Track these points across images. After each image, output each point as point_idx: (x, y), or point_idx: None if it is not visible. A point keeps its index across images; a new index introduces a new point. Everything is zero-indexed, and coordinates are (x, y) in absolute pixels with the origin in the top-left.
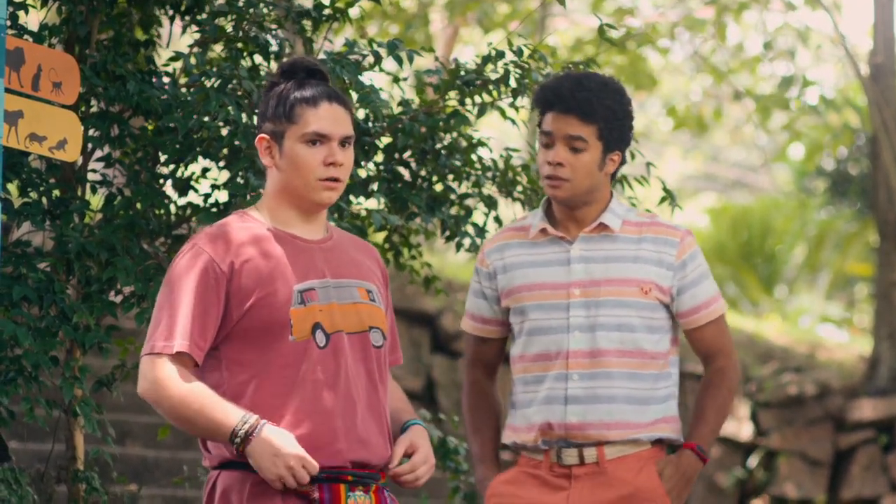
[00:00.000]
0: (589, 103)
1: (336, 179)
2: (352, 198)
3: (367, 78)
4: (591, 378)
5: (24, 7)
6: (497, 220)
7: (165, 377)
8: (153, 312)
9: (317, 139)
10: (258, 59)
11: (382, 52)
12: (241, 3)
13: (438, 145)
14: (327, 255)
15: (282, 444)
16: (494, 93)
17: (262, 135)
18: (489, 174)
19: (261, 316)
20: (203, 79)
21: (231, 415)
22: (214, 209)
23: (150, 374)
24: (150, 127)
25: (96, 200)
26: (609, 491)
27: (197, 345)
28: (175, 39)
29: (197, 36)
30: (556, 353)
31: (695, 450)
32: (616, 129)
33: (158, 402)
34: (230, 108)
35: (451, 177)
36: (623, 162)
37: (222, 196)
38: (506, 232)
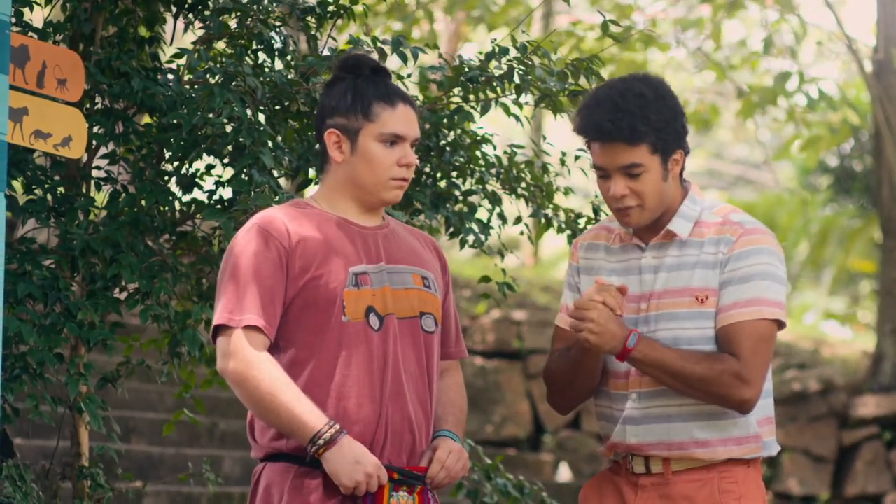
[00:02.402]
0: (633, 128)
1: (406, 179)
2: None
3: None
4: (649, 397)
5: (29, 4)
6: (501, 216)
7: (256, 357)
8: (218, 289)
9: (395, 140)
10: (262, 55)
11: (387, 49)
12: (245, 0)
13: (442, 142)
14: (383, 241)
15: (362, 452)
16: (498, 89)
17: (333, 129)
18: (493, 171)
19: (314, 295)
20: (207, 76)
21: (316, 417)
22: (219, 206)
23: (241, 352)
24: (154, 124)
25: (101, 197)
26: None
27: (269, 321)
28: (179, 36)
29: (201, 33)
30: (624, 371)
31: (634, 330)
32: (668, 135)
33: (244, 382)
34: (234, 104)
35: (455, 173)
36: (687, 152)
37: (227, 193)
38: (597, 229)
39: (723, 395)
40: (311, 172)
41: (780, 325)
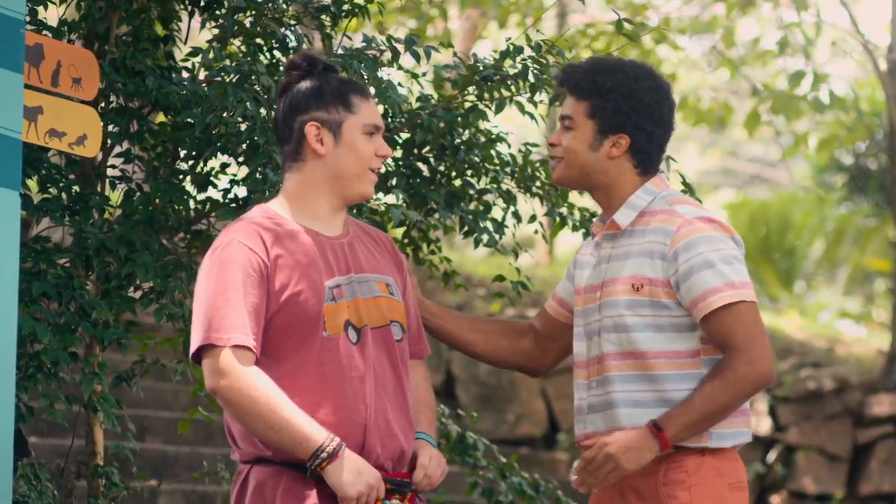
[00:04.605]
0: (577, 80)
1: (379, 171)
2: None
3: (385, 73)
4: (601, 384)
5: (44, 3)
6: (516, 215)
7: (250, 375)
8: (196, 307)
9: (374, 131)
10: (277, 54)
11: (400, 47)
12: None
13: (457, 141)
14: (348, 251)
15: (363, 463)
16: (513, 88)
17: (313, 122)
18: (508, 169)
19: (295, 311)
20: (222, 74)
21: (317, 431)
22: (234, 205)
23: (233, 369)
24: (168, 122)
25: (115, 196)
26: (623, 500)
27: (256, 339)
28: (194, 35)
29: (216, 31)
30: (585, 360)
31: (649, 425)
32: (612, 108)
33: (240, 400)
34: (248, 103)
35: (469, 172)
36: (639, 147)
37: (241, 192)
38: (593, 226)
39: (749, 388)
40: None
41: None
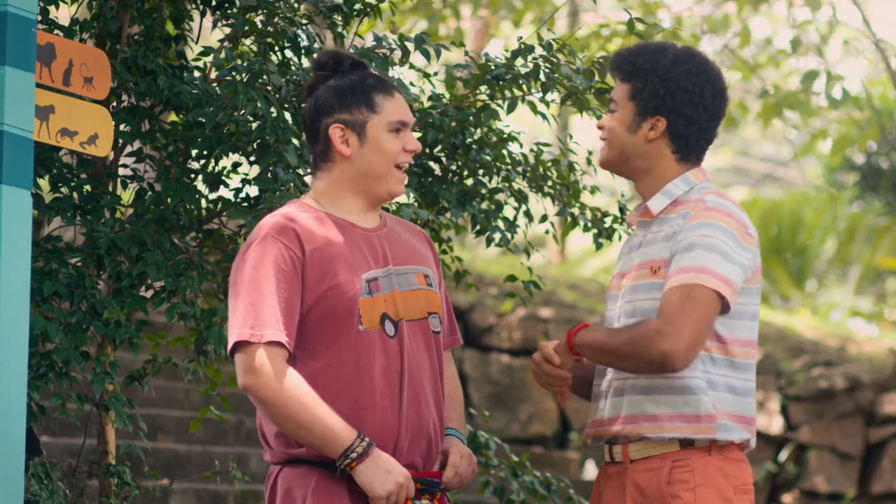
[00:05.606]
0: (620, 63)
1: (408, 165)
2: None
3: (396, 72)
4: (612, 370)
5: (55, 2)
6: (527, 214)
7: (284, 374)
8: (232, 299)
9: (400, 127)
10: (288, 53)
11: (410, 46)
12: None
13: (469, 140)
14: (386, 243)
15: (393, 463)
16: (524, 87)
17: (338, 124)
18: (519, 169)
19: (331, 305)
20: (233, 73)
21: (348, 431)
22: (245, 204)
23: (266, 368)
24: (180, 122)
25: (127, 195)
26: (625, 495)
27: (289, 335)
28: (205, 34)
29: (227, 30)
30: None
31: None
32: (650, 91)
33: (274, 399)
34: (258, 102)
35: (481, 171)
36: (677, 131)
37: (253, 191)
38: (629, 214)
39: (644, 354)
40: None
41: (724, 302)
